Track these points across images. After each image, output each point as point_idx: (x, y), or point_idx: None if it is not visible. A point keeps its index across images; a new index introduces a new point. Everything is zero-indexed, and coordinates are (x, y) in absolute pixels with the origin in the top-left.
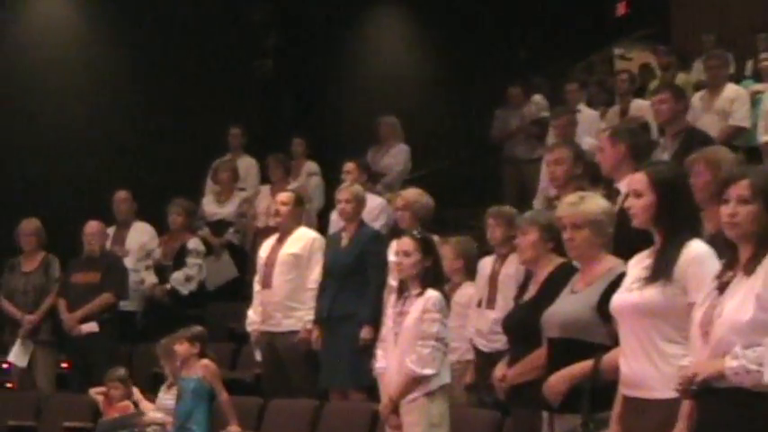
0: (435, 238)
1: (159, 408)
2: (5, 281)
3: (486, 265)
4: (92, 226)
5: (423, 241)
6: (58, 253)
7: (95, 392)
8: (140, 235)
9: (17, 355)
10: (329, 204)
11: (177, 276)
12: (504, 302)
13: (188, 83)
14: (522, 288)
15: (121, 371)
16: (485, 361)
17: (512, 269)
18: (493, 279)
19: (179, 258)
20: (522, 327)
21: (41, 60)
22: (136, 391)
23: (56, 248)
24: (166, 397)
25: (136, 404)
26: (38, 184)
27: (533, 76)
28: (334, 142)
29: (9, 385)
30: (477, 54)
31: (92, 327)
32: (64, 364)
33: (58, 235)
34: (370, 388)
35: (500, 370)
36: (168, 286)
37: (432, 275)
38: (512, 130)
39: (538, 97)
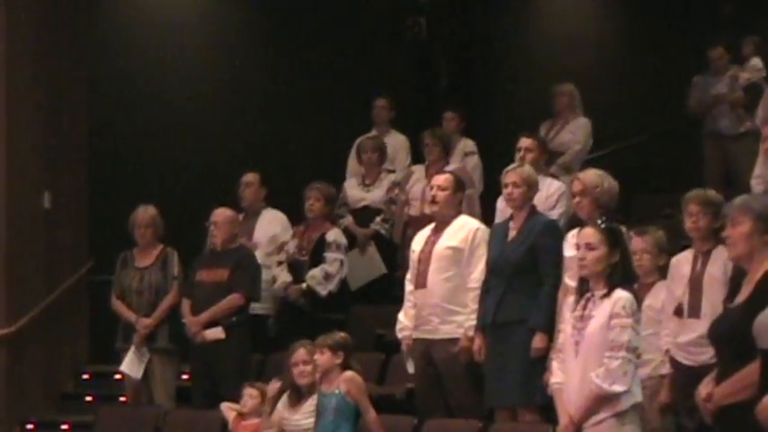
0: (622, 228)
1: (288, 429)
2: (117, 278)
3: (682, 263)
4: (220, 214)
5: (609, 232)
6: (177, 246)
7: (228, 408)
8: (271, 225)
9: (131, 365)
10: (489, 189)
11: (314, 274)
12: (712, 310)
13: (327, 47)
14: (733, 289)
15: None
16: (685, 376)
17: (718, 268)
18: (695, 281)
19: (317, 253)
20: (733, 336)
21: (162, 30)
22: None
23: (174, 241)
24: (296, 417)
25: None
26: (154, 167)
27: (740, 34)
28: (496, 116)
29: (122, 399)
30: (670, 9)
31: (217, 333)
32: (184, 376)
33: (176, 225)
34: (545, 407)
35: (705, 388)
36: (304, 285)
37: (620, 273)
38: (714, 100)
39: (756, 60)
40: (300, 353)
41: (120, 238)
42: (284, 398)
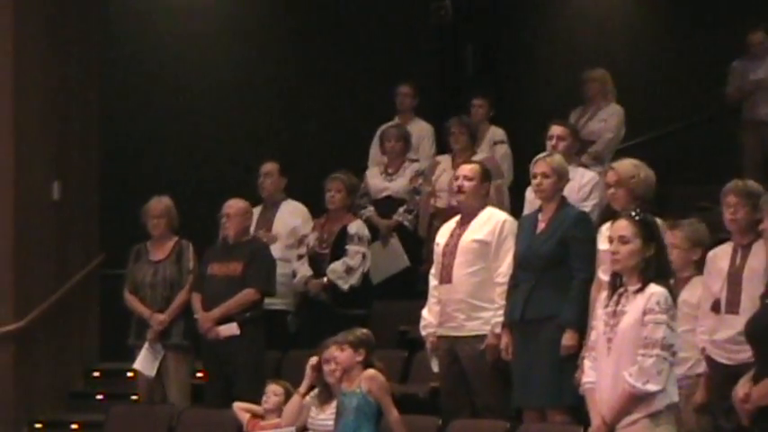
0: (658, 221)
1: (312, 428)
2: (130, 271)
3: (719, 257)
4: (232, 205)
5: (644, 224)
6: (192, 239)
7: (241, 408)
8: (291, 217)
9: (144, 363)
10: (518, 180)
11: (336, 267)
12: (752, 305)
13: (348, 32)
14: None
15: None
16: (722, 375)
17: (759, 262)
18: (734, 276)
19: (338, 246)
20: None
21: (176, 13)
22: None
23: (189, 233)
24: (322, 417)
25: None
26: (168, 156)
27: None
28: (524, 103)
29: (134, 398)
30: None
31: (231, 329)
32: (200, 374)
33: (191, 217)
34: (575, 408)
35: (743, 388)
36: (324, 280)
37: (655, 267)
38: (753, 86)
39: None
40: (332, 350)
41: (132, 231)
42: (313, 395)
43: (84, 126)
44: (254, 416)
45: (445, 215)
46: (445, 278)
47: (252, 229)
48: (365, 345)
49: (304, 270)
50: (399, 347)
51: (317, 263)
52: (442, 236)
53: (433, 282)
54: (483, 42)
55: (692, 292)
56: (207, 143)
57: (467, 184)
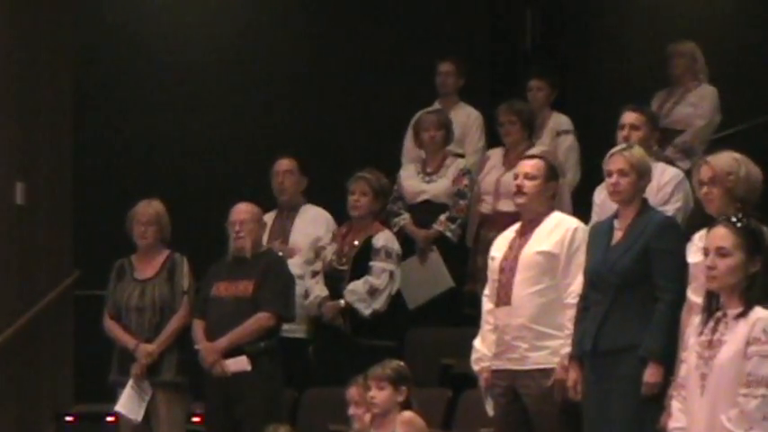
0: (765, 229)
1: None
2: (112, 292)
3: None
4: (245, 211)
5: (747, 233)
6: (187, 253)
7: None
8: (312, 225)
9: (128, 404)
10: (588, 178)
11: (356, 288)
12: None
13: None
14: None
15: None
16: None
17: None
18: None
19: (360, 261)
20: None
21: None
22: None
23: (184, 246)
24: None
25: None
26: (159, 153)
27: None
28: (595, 85)
29: None
30: None
31: (241, 363)
32: (195, 418)
33: (186, 227)
34: None
35: None
36: (341, 302)
37: (761, 286)
38: None
39: None
40: (351, 392)
41: (112, 243)
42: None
43: (55, 117)
44: None
45: (491, 222)
46: (503, 299)
47: (265, 239)
48: (406, 381)
49: (318, 289)
50: (442, 385)
51: (335, 281)
52: (499, 248)
53: (487, 304)
54: (544, 8)
55: None
56: (205, 139)
57: (528, 183)
